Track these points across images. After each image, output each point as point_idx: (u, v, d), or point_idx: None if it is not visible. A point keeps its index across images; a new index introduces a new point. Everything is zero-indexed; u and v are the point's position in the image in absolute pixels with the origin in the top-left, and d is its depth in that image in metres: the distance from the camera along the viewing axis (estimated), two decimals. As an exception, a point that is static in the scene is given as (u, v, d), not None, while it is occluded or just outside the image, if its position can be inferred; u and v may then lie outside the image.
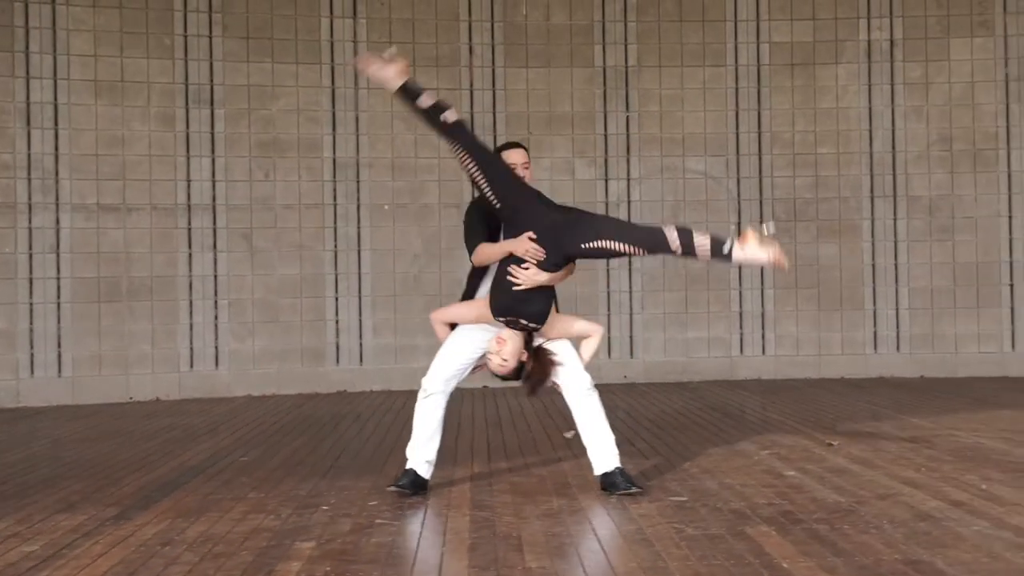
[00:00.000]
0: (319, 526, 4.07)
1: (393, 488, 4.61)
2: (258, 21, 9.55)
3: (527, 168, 4.78)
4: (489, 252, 4.60)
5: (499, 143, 9.87)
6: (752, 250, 4.27)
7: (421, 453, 4.71)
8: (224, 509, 4.41)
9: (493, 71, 9.99)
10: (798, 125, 10.13)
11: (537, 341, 4.56)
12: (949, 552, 3.51)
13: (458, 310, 4.71)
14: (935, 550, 3.54)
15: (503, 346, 4.44)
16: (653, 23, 10.11)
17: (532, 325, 4.49)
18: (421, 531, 3.98)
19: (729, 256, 4.30)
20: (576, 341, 4.76)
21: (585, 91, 10.08)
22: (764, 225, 4.36)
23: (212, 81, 9.45)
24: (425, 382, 4.76)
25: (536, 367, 4.45)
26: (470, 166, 4.47)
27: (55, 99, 9.04)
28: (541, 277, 4.44)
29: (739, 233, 4.38)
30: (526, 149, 4.95)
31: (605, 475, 4.59)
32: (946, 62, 10.05)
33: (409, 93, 4.52)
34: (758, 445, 5.91)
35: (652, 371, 10.02)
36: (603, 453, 4.62)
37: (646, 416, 7.35)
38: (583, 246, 4.45)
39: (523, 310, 4.45)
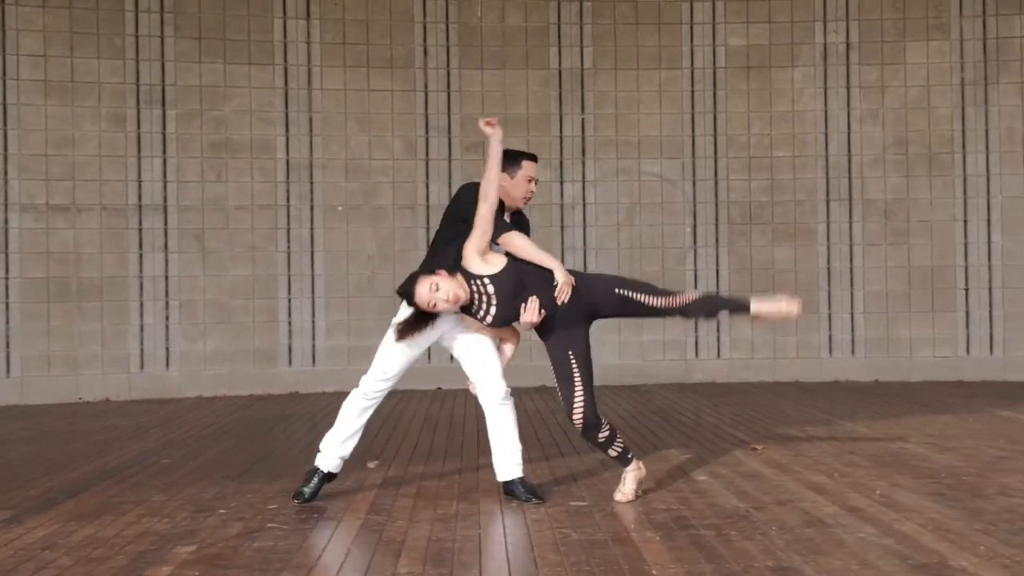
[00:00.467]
0: (208, 530, 4.05)
1: (297, 502, 4.54)
2: (210, 22, 9.53)
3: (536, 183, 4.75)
4: (529, 250, 4.42)
5: (459, 144, 9.98)
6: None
7: (337, 450, 4.69)
8: (121, 512, 4.39)
9: (448, 73, 9.98)
10: (754, 128, 10.12)
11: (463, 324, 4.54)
12: (822, 559, 3.49)
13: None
14: (809, 557, 3.52)
15: (450, 302, 4.27)
16: (609, 26, 10.10)
17: (486, 321, 4.40)
18: (308, 536, 3.96)
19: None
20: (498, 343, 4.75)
21: (540, 93, 10.07)
22: None
23: (164, 82, 9.43)
24: (364, 383, 4.73)
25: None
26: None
27: (4, 99, 9.01)
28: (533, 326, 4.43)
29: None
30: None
31: (506, 483, 4.59)
32: (902, 65, 10.05)
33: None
34: (682, 449, 5.90)
35: (607, 374, 9.95)
36: (507, 462, 4.61)
37: (585, 419, 7.32)
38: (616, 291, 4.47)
39: (502, 308, 4.36)
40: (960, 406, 7.84)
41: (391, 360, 4.68)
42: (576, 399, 4.34)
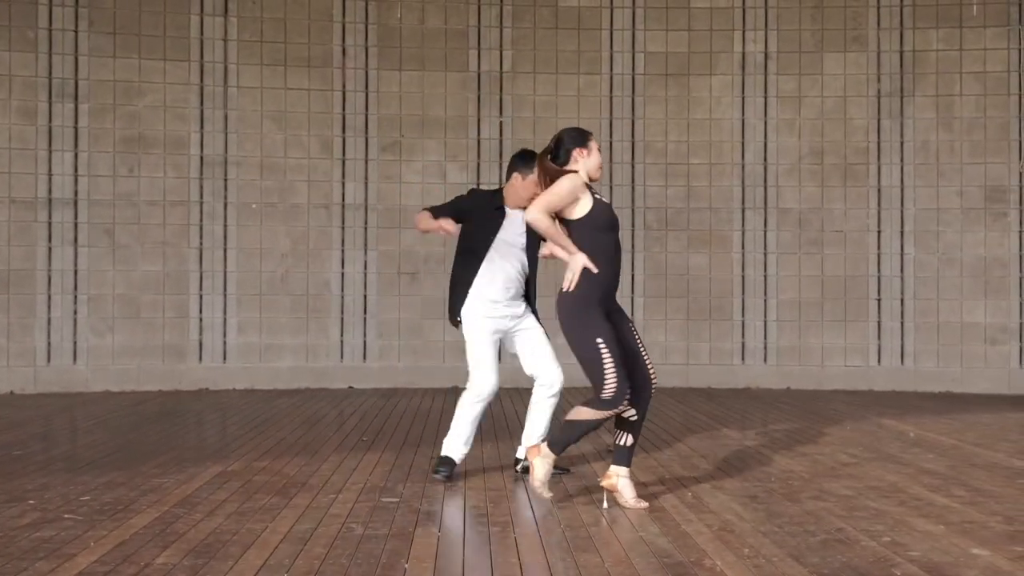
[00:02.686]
0: (3, 520, 4.05)
1: (439, 476, 4.90)
2: (125, 17, 9.53)
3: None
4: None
5: (375, 144, 10.00)
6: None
7: (461, 450, 5.06)
8: (-69, 500, 4.39)
9: (366, 73, 10.00)
10: (671, 135, 10.17)
11: None
12: (582, 556, 3.52)
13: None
14: (573, 554, 3.54)
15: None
16: (528, 30, 10.14)
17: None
18: (94, 527, 3.96)
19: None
20: None
21: (459, 95, 10.10)
22: None
23: (77, 76, 9.43)
24: (482, 388, 5.00)
25: None
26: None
27: (-88, 89, 9.01)
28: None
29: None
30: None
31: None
32: (819, 76, 10.10)
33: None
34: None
35: (520, 378, 9.89)
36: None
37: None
38: None
39: None
40: (849, 414, 7.88)
41: (487, 357, 5.02)
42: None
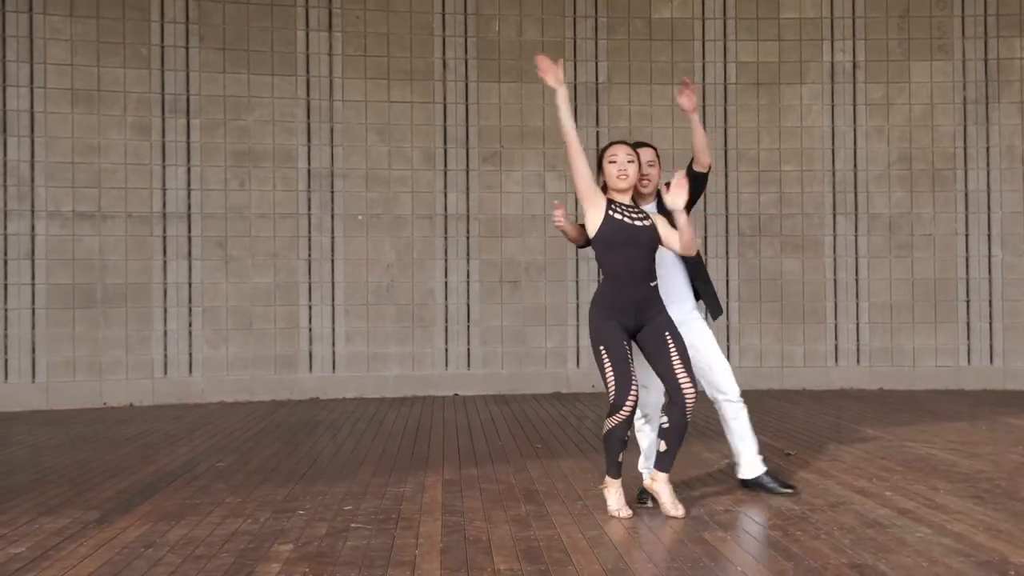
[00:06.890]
0: (296, 530, 4.23)
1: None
2: (234, 33, 9.69)
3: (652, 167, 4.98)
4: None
5: (476, 155, 10.19)
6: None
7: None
8: (203, 513, 4.56)
9: (466, 85, 10.19)
10: (763, 143, 10.41)
11: None
12: (892, 557, 3.73)
13: None
14: (880, 555, 3.76)
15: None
16: (623, 41, 10.35)
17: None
18: (395, 536, 4.14)
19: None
20: None
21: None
22: None
23: (188, 91, 9.58)
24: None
25: None
26: None
27: (31, 107, 9.13)
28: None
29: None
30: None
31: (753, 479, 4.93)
32: (906, 84, 10.37)
33: None
34: (718, 455, 6.12)
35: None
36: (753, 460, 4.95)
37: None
38: None
39: None
40: (968, 414, 8.13)
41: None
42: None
